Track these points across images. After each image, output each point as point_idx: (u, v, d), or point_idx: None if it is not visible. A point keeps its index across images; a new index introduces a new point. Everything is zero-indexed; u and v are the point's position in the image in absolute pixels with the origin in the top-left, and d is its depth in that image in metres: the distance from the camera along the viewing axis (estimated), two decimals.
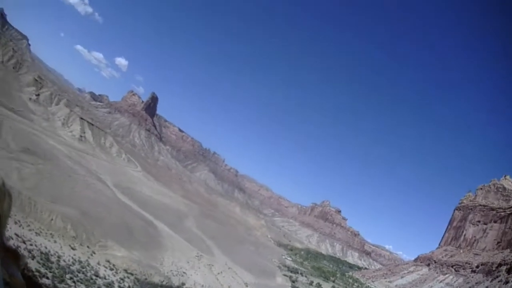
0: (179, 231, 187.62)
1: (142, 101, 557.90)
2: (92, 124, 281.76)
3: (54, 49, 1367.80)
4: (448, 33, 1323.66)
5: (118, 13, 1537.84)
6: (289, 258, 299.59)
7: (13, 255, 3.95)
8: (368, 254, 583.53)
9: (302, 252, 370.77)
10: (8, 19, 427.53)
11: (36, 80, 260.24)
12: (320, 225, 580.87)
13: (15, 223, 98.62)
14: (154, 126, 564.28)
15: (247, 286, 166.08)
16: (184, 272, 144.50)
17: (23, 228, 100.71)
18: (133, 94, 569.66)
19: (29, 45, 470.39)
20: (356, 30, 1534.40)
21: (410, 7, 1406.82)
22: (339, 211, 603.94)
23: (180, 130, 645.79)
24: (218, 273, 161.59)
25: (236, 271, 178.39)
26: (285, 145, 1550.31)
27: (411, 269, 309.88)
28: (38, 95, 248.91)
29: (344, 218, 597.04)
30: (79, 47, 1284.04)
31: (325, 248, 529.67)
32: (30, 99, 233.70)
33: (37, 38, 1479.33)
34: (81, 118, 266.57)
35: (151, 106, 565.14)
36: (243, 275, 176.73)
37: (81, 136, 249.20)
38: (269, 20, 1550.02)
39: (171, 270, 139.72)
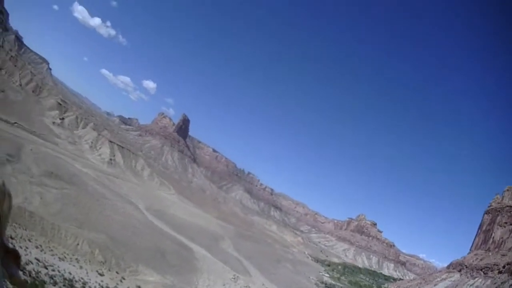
0: (214, 253, 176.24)
1: (174, 123, 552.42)
2: (122, 147, 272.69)
3: (78, 73, 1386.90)
4: None
5: (142, 35, 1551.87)
6: (326, 275, 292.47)
7: (13, 255, 4.19)
8: (402, 264, 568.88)
9: (339, 267, 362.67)
10: (28, 43, 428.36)
11: (60, 104, 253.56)
12: (357, 238, 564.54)
13: (36, 247, 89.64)
14: (187, 147, 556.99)
15: None
16: None
17: (45, 253, 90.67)
18: (164, 116, 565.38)
19: (50, 69, 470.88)
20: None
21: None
22: (375, 224, 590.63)
23: (214, 151, 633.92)
24: None
25: None
26: (320, 162, 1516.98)
27: (444, 276, 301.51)
28: (62, 118, 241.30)
29: (379, 231, 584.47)
30: (104, 71, 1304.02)
31: (362, 261, 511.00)
32: (53, 122, 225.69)
33: (60, 63, 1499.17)
34: (110, 141, 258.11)
35: (182, 127, 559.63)
36: None
37: (110, 159, 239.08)
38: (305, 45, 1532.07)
39: None
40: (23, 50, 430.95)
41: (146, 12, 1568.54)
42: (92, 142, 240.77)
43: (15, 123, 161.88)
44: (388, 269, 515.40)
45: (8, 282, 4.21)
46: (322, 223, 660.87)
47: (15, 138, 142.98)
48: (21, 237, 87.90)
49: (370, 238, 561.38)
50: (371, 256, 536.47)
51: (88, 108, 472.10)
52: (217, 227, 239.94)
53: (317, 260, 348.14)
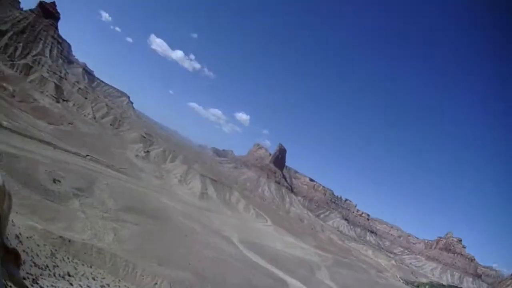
0: (310, 285, 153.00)
1: (270, 154, 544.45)
2: (215, 180, 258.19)
3: (165, 107, 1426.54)
4: None
5: (228, 66, 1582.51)
6: None
7: (13, 255, 4.30)
8: (479, 277, 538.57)
9: (427, 287, 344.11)
10: (102, 77, 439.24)
11: (144, 137, 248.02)
12: (443, 256, 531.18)
13: (102, 287, 71.24)
14: (284, 178, 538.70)
15: None
16: None
17: None
18: (260, 147, 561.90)
19: (131, 102, 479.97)
20: None
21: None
22: (460, 240, 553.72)
23: (311, 180, 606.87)
24: None
25: None
26: (413, 186, 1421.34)
27: (508, 282, 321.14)
28: (147, 152, 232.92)
29: (463, 246, 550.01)
30: (193, 104, 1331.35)
31: (446, 278, 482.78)
32: (137, 156, 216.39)
33: (143, 96, 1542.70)
34: (202, 175, 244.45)
35: (279, 158, 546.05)
36: None
37: (202, 193, 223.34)
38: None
39: None
40: (95, 83, 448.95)
41: (228, 43, 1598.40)
42: (181, 176, 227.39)
43: (87, 155, 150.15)
44: (467, 283, 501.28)
45: (8, 282, 4.17)
46: (413, 244, 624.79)
47: (87, 171, 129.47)
48: (82, 275, 69.91)
49: (455, 254, 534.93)
50: (454, 272, 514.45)
51: (178, 141, 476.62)
52: (314, 256, 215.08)
53: (407, 282, 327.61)
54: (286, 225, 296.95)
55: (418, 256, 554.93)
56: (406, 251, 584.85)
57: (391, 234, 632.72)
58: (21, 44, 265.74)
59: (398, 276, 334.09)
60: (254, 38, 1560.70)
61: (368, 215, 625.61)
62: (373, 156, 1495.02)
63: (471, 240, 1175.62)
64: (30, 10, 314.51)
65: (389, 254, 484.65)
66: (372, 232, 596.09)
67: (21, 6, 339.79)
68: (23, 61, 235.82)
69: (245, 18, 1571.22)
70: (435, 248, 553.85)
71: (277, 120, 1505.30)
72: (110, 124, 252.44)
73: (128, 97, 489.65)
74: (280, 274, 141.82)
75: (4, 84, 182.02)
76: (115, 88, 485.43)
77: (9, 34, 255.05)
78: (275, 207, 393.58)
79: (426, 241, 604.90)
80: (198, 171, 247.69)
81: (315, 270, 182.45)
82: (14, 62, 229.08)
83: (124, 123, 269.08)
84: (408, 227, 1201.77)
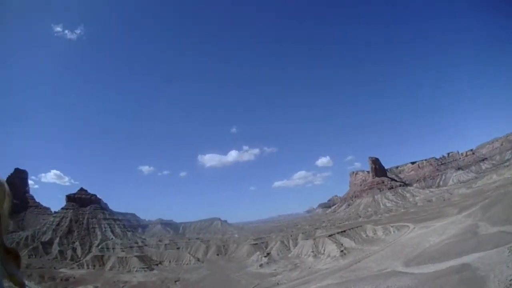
0: None
1: (367, 172, 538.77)
2: (344, 231, 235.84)
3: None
4: None
5: None
6: None
7: (13, 255, 4.41)
8: None
9: None
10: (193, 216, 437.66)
11: (255, 244, 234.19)
12: None
13: None
14: (393, 179, 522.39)
15: None
16: None
17: None
18: (356, 173, 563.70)
19: (224, 220, 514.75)
20: None
21: None
22: None
23: (412, 163, 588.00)
24: None
25: None
26: None
27: None
28: (268, 254, 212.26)
29: None
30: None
31: None
32: (261, 265, 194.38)
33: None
34: (330, 235, 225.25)
35: (377, 168, 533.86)
36: None
37: (341, 251, 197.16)
38: None
39: None
40: (181, 227, 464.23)
41: None
42: (312, 251, 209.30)
43: None
44: None
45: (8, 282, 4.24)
46: None
47: None
48: None
49: None
50: None
51: (288, 224, 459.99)
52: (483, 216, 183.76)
53: None
54: (424, 216, 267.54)
55: None
56: None
57: (496, 147, 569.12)
58: (76, 243, 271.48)
59: None
60: None
61: (471, 150, 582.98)
62: None
63: None
64: (62, 208, 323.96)
65: (505, 165, 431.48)
66: (482, 160, 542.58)
67: (52, 209, 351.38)
68: (90, 256, 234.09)
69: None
70: None
71: None
72: (217, 255, 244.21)
73: (220, 219, 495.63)
74: None
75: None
76: (201, 220, 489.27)
77: (56, 241, 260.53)
78: (403, 209, 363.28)
79: None
80: (324, 235, 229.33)
81: None
82: (81, 261, 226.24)
83: (229, 245, 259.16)
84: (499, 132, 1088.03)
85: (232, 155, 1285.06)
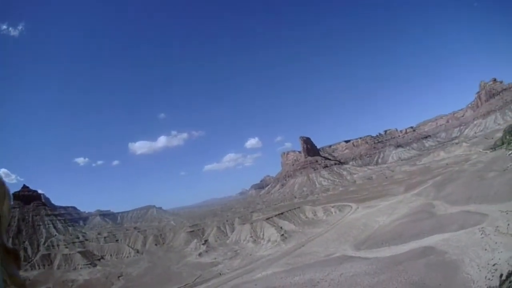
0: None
1: (299, 152, 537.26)
2: (281, 213, 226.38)
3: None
4: None
5: None
6: None
7: (13, 255, 4.51)
8: None
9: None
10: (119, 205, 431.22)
11: (192, 231, 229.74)
12: (494, 103, 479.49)
13: None
14: (327, 158, 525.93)
15: None
16: None
17: None
18: (287, 153, 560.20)
19: (159, 207, 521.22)
20: None
21: None
22: (495, 79, 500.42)
23: (346, 141, 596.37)
24: None
25: None
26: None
27: None
28: (205, 241, 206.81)
29: (501, 81, 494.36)
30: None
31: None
32: (200, 254, 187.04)
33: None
34: (267, 218, 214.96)
35: (309, 148, 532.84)
36: None
37: (282, 235, 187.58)
38: None
39: None
40: (119, 217, 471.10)
41: None
42: (251, 236, 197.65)
43: None
44: None
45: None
46: (462, 116, 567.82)
47: None
48: None
49: (503, 92, 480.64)
50: None
51: (222, 208, 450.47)
52: (429, 192, 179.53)
53: (499, 144, 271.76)
54: (366, 194, 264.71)
55: (475, 121, 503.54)
56: (462, 127, 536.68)
57: (440, 125, 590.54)
58: (26, 242, 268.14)
59: (482, 149, 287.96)
60: None
61: (412, 127, 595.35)
62: None
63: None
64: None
65: (454, 142, 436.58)
66: (425, 137, 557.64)
67: None
68: (39, 255, 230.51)
69: None
70: (481, 104, 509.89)
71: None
72: (155, 245, 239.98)
73: (155, 206, 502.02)
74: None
75: None
76: (138, 208, 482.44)
77: (9, 242, 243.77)
78: (342, 188, 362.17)
79: (469, 105, 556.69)
80: (261, 219, 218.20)
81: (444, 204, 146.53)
82: (32, 261, 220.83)
83: (166, 233, 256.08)
84: (443, 109, 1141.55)
85: (161, 141, 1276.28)
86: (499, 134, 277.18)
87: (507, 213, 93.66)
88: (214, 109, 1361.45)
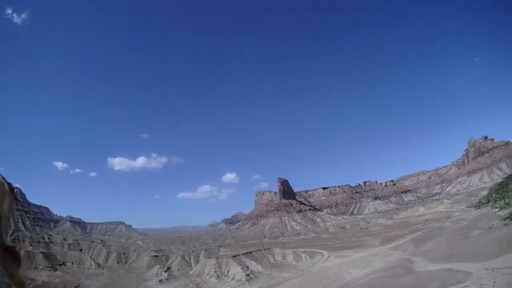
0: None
1: (275, 193, 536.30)
2: (249, 253, 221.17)
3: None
4: None
5: None
6: None
7: (13, 255, 4.71)
8: None
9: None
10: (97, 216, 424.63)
11: (156, 256, 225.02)
12: (481, 161, 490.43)
13: None
14: (303, 203, 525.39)
15: None
16: None
17: None
18: (263, 193, 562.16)
19: (129, 225, 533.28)
20: None
21: None
22: (486, 137, 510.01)
23: (324, 188, 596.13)
24: None
25: None
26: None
27: None
28: (168, 269, 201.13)
29: (492, 139, 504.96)
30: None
31: (498, 176, 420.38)
32: (160, 281, 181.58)
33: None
34: (234, 256, 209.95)
35: (285, 190, 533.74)
36: None
37: (247, 275, 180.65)
38: None
39: None
40: (88, 227, 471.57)
41: None
42: (215, 271, 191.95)
43: None
44: None
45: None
46: (445, 173, 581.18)
47: None
48: None
49: (491, 151, 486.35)
50: (501, 165, 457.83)
51: (191, 236, 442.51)
52: (402, 246, 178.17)
53: (478, 205, 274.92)
54: (339, 243, 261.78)
55: (460, 179, 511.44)
56: (445, 184, 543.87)
57: (422, 180, 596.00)
58: None
59: (465, 207, 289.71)
60: None
61: (392, 181, 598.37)
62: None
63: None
64: None
65: (435, 198, 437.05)
66: (405, 192, 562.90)
67: None
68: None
69: None
70: (468, 161, 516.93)
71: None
72: (118, 262, 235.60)
73: (124, 223, 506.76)
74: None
75: None
76: (108, 222, 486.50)
77: None
78: (314, 234, 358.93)
79: (454, 162, 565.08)
80: (228, 255, 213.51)
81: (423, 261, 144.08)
82: None
83: (130, 253, 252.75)
84: (426, 165, 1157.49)
85: (141, 161, 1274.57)
86: (484, 192, 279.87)
87: (493, 271, 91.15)
88: (196, 139, 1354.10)
